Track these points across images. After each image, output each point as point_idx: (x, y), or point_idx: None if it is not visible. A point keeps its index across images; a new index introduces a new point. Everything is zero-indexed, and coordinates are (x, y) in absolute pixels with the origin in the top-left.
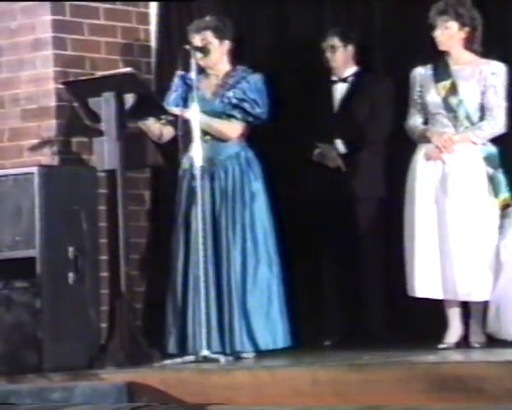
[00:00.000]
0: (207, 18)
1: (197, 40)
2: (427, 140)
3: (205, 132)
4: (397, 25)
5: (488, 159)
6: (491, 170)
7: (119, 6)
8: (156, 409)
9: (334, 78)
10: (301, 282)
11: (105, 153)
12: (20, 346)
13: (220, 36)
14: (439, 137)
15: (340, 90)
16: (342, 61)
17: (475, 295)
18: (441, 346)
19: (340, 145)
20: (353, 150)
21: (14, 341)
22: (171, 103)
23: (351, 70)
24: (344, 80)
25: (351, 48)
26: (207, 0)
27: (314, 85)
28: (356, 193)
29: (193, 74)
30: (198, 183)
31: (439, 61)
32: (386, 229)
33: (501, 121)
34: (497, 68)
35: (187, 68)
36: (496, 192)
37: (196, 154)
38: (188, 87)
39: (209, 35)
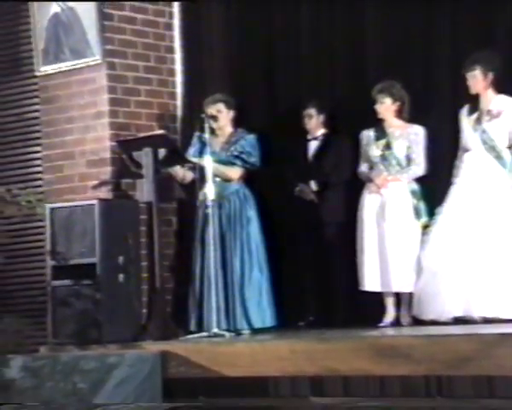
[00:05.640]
0: (219, 94)
1: (213, 109)
2: (370, 180)
3: (215, 175)
4: (353, 97)
5: (413, 193)
6: (415, 201)
7: (155, 87)
8: None
9: (309, 137)
10: (285, 279)
11: (144, 190)
12: (85, 326)
13: (228, 107)
14: (378, 177)
15: (313, 145)
16: (315, 126)
17: (404, 288)
18: (381, 325)
19: (313, 185)
20: (322, 189)
21: (82, 322)
22: (191, 155)
23: (321, 131)
24: (316, 139)
25: (322, 116)
26: (216, 80)
27: (295, 142)
28: (324, 218)
29: (207, 135)
30: (210, 211)
31: (378, 126)
32: (345, 244)
33: (422, 166)
34: (418, 130)
35: (202, 130)
36: (418, 217)
37: (209, 190)
38: (203, 144)
39: (221, 106)
